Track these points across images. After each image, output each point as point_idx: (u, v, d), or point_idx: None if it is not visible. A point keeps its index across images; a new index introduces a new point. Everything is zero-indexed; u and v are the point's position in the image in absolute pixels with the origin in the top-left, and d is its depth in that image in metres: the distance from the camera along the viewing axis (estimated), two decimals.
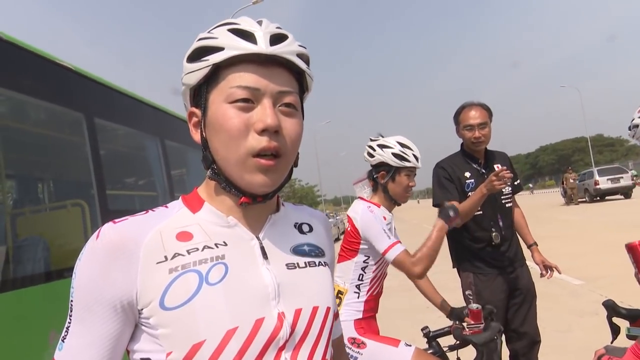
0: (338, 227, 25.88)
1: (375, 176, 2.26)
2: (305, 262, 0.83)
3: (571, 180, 23.44)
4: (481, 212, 2.64)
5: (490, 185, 2.32)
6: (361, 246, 2.16)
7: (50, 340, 2.36)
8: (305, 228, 0.90)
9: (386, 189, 2.23)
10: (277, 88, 0.75)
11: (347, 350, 2.07)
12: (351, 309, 2.16)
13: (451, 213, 2.04)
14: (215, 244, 0.75)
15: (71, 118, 3.32)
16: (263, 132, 0.72)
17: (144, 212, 0.78)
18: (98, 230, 0.73)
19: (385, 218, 2.16)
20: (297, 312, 0.76)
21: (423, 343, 2.24)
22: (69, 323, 0.72)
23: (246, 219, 0.80)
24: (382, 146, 2.22)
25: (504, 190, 2.70)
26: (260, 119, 0.72)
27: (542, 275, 2.79)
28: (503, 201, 2.72)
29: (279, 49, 0.74)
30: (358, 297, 2.17)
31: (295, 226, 0.89)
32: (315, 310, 0.79)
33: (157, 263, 0.71)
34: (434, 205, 2.80)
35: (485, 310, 2.05)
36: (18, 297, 2.36)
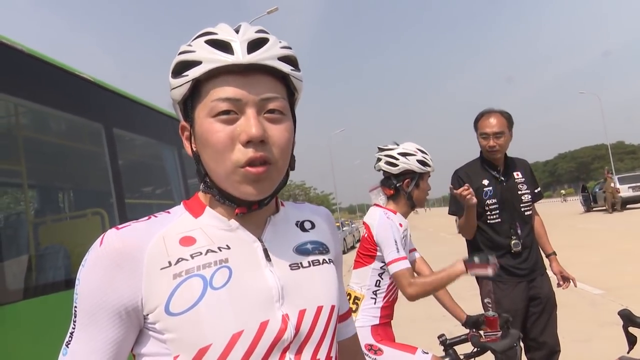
0: (354, 235, 25.79)
1: (398, 184, 2.25)
2: (308, 262, 0.82)
3: (612, 185, 21.69)
4: (499, 220, 2.62)
5: (462, 199, 2.40)
6: (378, 252, 2.16)
7: None
8: (308, 225, 0.89)
9: (410, 196, 2.24)
10: (259, 96, 0.73)
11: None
12: (368, 315, 2.16)
13: (476, 260, 1.95)
14: (219, 248, 0.75)
15: (90, 129, 3.40)
16: (248, 143, 0.71)
17: (147, 218, 0.78)
18: (101, 237, 0.73)
19: (401, 225, 2.16)
20: (301, 313, 0.76)
21: (439, 351, 2.22)
22: (73, 329, 0.72)
23: (247, 222, 0.80)
24: (405, 154, 2.21)
25: (523, 198, 2.69)
26: (244, 130, 0.71)
27: (558, 285, 2.78)
28: (522, 209, 2.69)
29: (256, 57, 0.72)
30: (375, 303, 2.17)
31: (297, 224, 0.88)
32: (319, 310, 0.79)
33: (162, 269, 0.71)
34: (449, 213, 2.80)
35: (502, 318, 2.03)
36: (40, 304, 2.42)
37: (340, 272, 0.93)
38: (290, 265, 0.79)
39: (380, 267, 2.18)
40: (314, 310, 0.78)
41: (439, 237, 20.19)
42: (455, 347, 2.23)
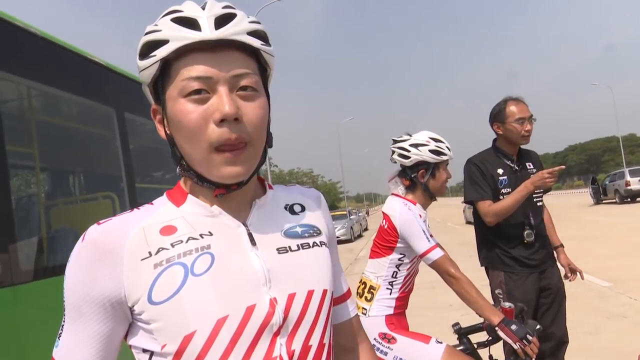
0: (360, 224, 25.84)
1: (413, 175, 2.23)
2: (298, 245, 0.80)
3: None
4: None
5: (541, 182, 2.38)
6: (398, 244, 2.15)
7: None
8: (297, 208, 0.87)
9: (427, 187, 2.22)
10: (231, 72, 0.71)
11: (378, 345, 2.09)
12: (383, 305, 2.16)
13: (514, 328, 1.89)
14: (200, 235, 0.74)
15: (102, 113, 3.41)
16: (222, 122, 0.69)
17: (130, 210, 0.78)
18: (84, 233, 0.73)
19: (420, 216, 2.15)
20: (291, 297, 0.75)
21: (450, 340, 2.22)
22: (64, 322, 0.73)
23: (231, 207, 0.78)
24: (416, 145, 2.19)
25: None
26: (217, 109, 0.69)
27: (566, 277, 2.78)
28: (535, 200, 2.67)
29: (225, 32, 0.70)
30: (390, 294, 2.17)
31: (286, 208, 0.86)
32: (310, 294, 0.77)
33: (142, 259, 0.70)
34: (466, 201, 2.79)
35: (517, 308, 2.02)
36: (51, 285, 2.45)
37: (336, 255, 0.92)
38: (278, 249, 0.78)
39: (398, 259, 2.17)
40: (305, 295, 0.76)
41: (446, 227, 20.20)
42: (470, 336, 2.23)
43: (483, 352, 2.16)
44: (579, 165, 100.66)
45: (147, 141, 4.39)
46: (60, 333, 0.74)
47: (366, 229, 28.27)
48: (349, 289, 0.99)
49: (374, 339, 2.11)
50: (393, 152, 2.27)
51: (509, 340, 1.88)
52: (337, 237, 19.55)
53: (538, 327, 1.98)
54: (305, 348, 0.75)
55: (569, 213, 19.37)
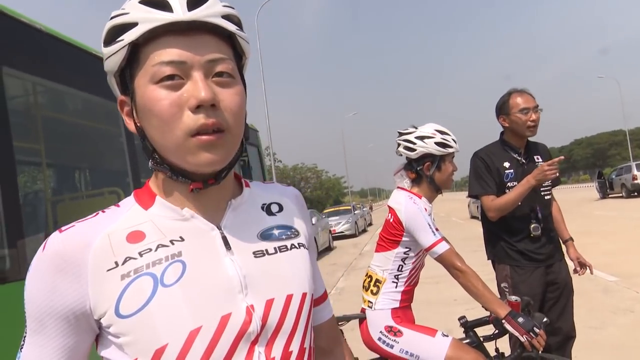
0: (365, 219, 25.84)
1: (419, 168, 2.22)
2: (275, 248, 0.76)
3: None
4: (519, 203, 2.60)
5: (541, 175, 2.36)
6: (403, 238, 2.15)
7: None
8: (275, 208, 0.83)
9: (432, 180, 2.21)
10: (206, 57, 0.67)
11: (384, 338, 2.10)
12: (388, 298, 2.17)
13: (521, 320, 1.89)
14: (171, 241, 0.70)
15: (107, 108, 3.42)
16: (198, 108, 0.65)
17: (94, 214, 0.73)
18: (45, 241, 0.68)
19: (426, 210, 2.15)
20: (269, 303, 0.71)
21: (456, 334, 2.22)
22: (25, 334, 0.69)
23: (204, 209, 0.74)
24: (422, 137, 2.18)
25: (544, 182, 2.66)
26: (193, 95, 0.65)
27: (575, 271, 2.77)
28: (542, 193, 2.66)
29: (198, 13, 0.66)
30: (396, 287, 2.18)
31: (262, 208, 0.81)
32: (289, 298, 0.73)
33: (108, 270, 0.66)
34: (470, 195, 2.78)
35: (523, 301, 2.02)
36: None
37: (314, 256, 0.88)
38: (254, 253, 0.74)
39: (404, 253, 2.18)
40: (283, 299, 0.73)
41: (451, 222, 20.16)
42: (476, 330, 2.23)
43: (489, 346, 2.17)
44: (585, 160, 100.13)
45: None
46: (22, 345, 0.69)
47: (370, 224, 28.28)
48: (325, 290, 0.96)
49: (380, 332, 2.12)
50: (399, 144, 2.26)
51: (516, 333, 1.88)
52: (342, 232, 19.76)
53: (545, 319, 1.97)
54: (286, 354, 0.72)
55: (575, 207, 19.27)
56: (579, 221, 12.84)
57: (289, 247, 0.78)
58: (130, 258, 0.67)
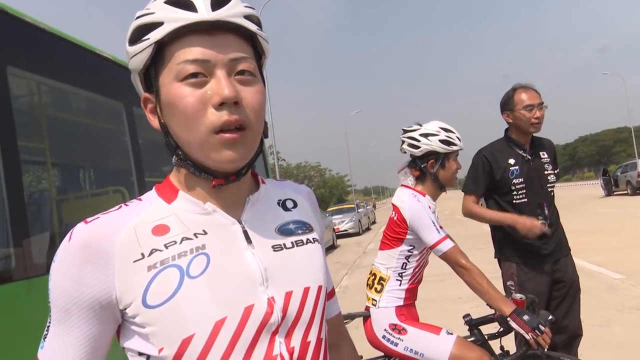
0: (369, 217, 25.83)
1: (423, 166, 2.22)
2: (292, 242, 0.79)
3: None
4: (526, 200, 2.58)
5: (527, 229, 2.42)
6: (407, 236, 2.15)
7: None
8: (290, 204, 0.85)
9: (436, 177, 2.21)
10: (229, 56, 0.69)
11: (388, 336, 2.10)
12: (392, 296, 2.17)
13: (526, 318, 1.89)
14: (195, 234, 0.72)
15: (111, 107, 3.43)
16: (221, 105, 0.67)
17: (117, 207, 0.74)
18: (71, 232, 0.70)
19: (430, 207, 2.14)
20: (288, 295, 0.74)
21: (461, 332, 2.22)
22: (49, 323, 0.70)
23: (224, 204, 0.76)
24: (426, 135, 2.18)
25: (549, 178, 2.65)
26: (216, 92, 0.67)
27: None
28: (548, 189, 2.65)
29: (222, 13, 0.68)
30: (400, 285, 2.17)
31: (278, 203, 0.84)
32: (306, 291, 0.76)
33: (134, 261, 0.68)
34: (464, 190, 2.79)
35: (528, 299, 2.02)
36: None
37: (324, 252, 0.90)
38: (273, 247, 0.76)
39: (408, 251, 2.17)
40: (301, 292, 0.75)
41: (455, 220, 20.10)
42: (481, 327, 2.23)
43: (494, 344, 2.16)
44: (589, 157, 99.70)
45: (156, 135, 4.42)
46: (46, 334, 0.71)
47: (374, 222, 28.25)
48: (333, 287, 0.98)
49: (384, 329, 2.12)
50: (403, 141, 2.26)
51: (521, 331, 1.87)
52: (346, 230, 19.76)
53: (550, 317, 1.96)
54: (304, 344, 0.74)
55: (580, 205, 19.19)
56: (583, 219, 12.78)
57: (304, 241, 0.81)
58: (156, 250, 0.69)
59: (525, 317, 1.88)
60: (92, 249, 0.68)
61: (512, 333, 2.06)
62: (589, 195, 26.29)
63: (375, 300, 2.19)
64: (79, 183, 4.03)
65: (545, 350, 1.93)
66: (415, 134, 2.20)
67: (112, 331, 0.72)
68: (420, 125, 2.24)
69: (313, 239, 0.83)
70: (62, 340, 0.69)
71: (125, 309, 0.68)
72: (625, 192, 22.59)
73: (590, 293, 5.26)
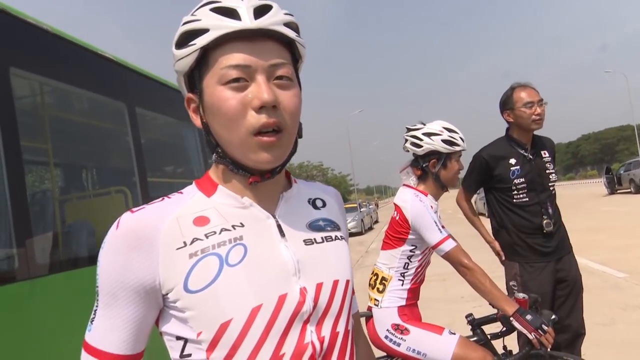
0: (371, 217, 25.81)
1: (424, 165, 2.22)
2: (322, 237, 0.84)
3: None
4: (527, 199, 2.58)
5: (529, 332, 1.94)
6: (409, 236, 2.15)
7: None
8: (319, 203, 0.91)
9: (438, 177, 2.21)
10: (269, 62, 0.74)
11: (391, 336, 2.10)
12: (395, 296, 2.17)
13: (529, 318, 1.88)
14: (233, 226, 0.76)
15: (113, 108, 3.43)
16: (261, 109, 0.72)
17: (160, 199, 0.79)
18: (117, 220, 0.75)
19: (432, 207, 2.14)
20: (319, 287, 0.78)
21: (463, 332, 2.22)
22: (97, 307, 0.75)
23: (260, 199, 0.81)
24: (429, 134, 2.17)
25: (551, 177, 2.65)
26: (256, 96, 0.72)
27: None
28: (550, 188, 2.65)
29: (264, 21, 0.73)
30: (402, 285, 2.17)
31: (309, 202, 0.90)
32: (335, 283, 0.80)
33: (177, 249, 0.73)
34: (462, 184, 2.79)
35: (531, 299, 2.01)
36: (66, 279, 2.48)
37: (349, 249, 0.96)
38: (304, 241, 0.81)
39: (410, 251, 2.17)
40: (331, 284, 0.80)
41: (458, 219, 20.10)
42: (483, 327, 2.22)
43: (497, 343, 2.16)
44: (592, 155, 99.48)
45: (159, 135, 4.42)
46: (93, 318, 0.75)
47: (376, 222, 28.23)
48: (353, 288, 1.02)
49: (387, 330, 2.12)
50: (406, 140, 2.26)
51: (524, 331, 1.86)
52: (348, 230, 19.71)
53: (553, 317, 1.96)
54: (334, 335, 0.78)
55: (583, 203, 19.15)
56: (586, 217, 12.74)
57: (333, 238, 0.86)
58: (197, 239, 0.74)
59: (528, 317, 1.87)
60: (138, 236, 0.72)
61: (515, 333, 2.05)
62: (592, 194, 26.21)
63: (378, 300, 2.19)
64: (82, 183, 4.03)
65: (548, 349, 1.92)
66: (418, 133, 2.20)
67: (155, 315, 0.76)
68: (424, 125, 2.24)
69: (340, 236, 0.88)
70: (110, 323, 0.73)
71: (167, 293, 0.72)
72: (629, 190, 22.51)
73: (593, 292, 5.25)
